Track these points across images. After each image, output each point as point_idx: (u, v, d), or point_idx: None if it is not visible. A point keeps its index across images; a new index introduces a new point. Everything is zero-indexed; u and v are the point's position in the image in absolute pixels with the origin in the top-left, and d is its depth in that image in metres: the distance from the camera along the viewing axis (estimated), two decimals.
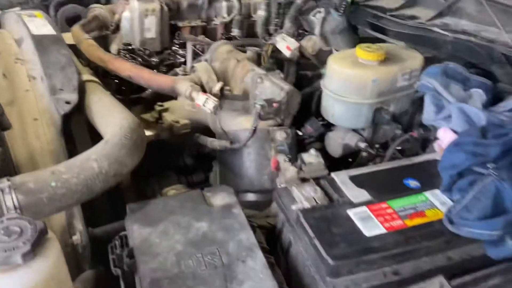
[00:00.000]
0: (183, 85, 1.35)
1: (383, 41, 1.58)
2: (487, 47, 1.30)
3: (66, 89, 1.27)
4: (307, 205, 0.98)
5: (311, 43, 1.77)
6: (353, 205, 0.97)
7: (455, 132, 1.15)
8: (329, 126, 1.52)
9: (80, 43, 1.66)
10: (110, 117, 1.19)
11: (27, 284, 0.70)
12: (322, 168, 1.11)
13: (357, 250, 0.86)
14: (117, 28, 2.03)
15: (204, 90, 1.39)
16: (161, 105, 1.76)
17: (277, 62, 1.69)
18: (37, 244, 0.72)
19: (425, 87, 1.26)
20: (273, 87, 1.33)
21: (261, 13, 1.93)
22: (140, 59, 1.83)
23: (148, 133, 1.51)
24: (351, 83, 1.35)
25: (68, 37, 1.66)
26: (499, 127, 1.03)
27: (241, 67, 1.46)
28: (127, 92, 1.76)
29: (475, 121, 1.12)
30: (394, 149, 1.33)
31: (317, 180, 1.07)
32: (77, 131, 1.38)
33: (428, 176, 1.06)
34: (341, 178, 1.05)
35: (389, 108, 1.40)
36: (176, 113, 1.71)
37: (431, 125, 1.26)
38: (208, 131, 1.59)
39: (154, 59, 1.85)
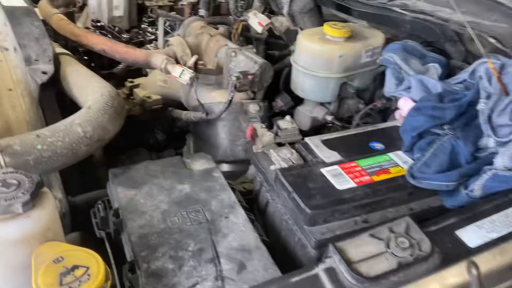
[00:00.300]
0: (158, 58, 1.38)
1: (347, 21, 1.68)
2: (442, 26, 1.42)
3: (41, 60, 1.27)
4: (284, 165, 1.05)
5: (278, 24, 1.84)
6: (326, 164, 1.06)
7: (414, 101, 1.26)
8: (297, 102, 1.60)
9: (49, 17, 1.64)
10: (90, 86, 1.21)
11: (27, 232, 0.72)
12: (296, 133, 1.19)
13: (331, 201, 0.95)
14: (84, 5, 2.01)
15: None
16: (132, 81, 1.78)
17: (246, 40, 1.75)
18: (35, 195, 0.74)
19: (387, 61, 1.37)
20: (247, 60, 1.38)
21: None
22: (109, 36, 1.83)
23: None
24: (319, 58, 1.43)
25: None
26: (453, 93, 1.14)
27: (214, 42, 1.50)
28: (97, 68, 1.76)
29: (432, 91, 1.23)
30: (358, 121, 1.44)
31: (292, 145, 1.15)
32: (46, 104, 1.37)
33: (391, 140, 1.17)
34: (314, 142, 1.14)
35: (354, 83, 1.50)
36: (148, 89, 1.73)
37: (392, 96, 1.37)
38: (180, 107, 1.63)
39: (124, 36, 1.85)
